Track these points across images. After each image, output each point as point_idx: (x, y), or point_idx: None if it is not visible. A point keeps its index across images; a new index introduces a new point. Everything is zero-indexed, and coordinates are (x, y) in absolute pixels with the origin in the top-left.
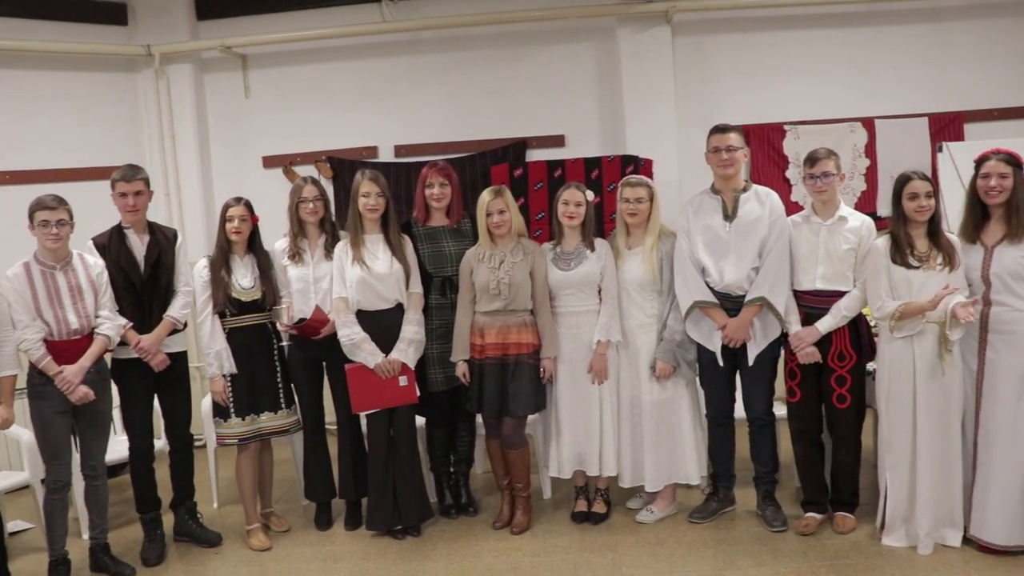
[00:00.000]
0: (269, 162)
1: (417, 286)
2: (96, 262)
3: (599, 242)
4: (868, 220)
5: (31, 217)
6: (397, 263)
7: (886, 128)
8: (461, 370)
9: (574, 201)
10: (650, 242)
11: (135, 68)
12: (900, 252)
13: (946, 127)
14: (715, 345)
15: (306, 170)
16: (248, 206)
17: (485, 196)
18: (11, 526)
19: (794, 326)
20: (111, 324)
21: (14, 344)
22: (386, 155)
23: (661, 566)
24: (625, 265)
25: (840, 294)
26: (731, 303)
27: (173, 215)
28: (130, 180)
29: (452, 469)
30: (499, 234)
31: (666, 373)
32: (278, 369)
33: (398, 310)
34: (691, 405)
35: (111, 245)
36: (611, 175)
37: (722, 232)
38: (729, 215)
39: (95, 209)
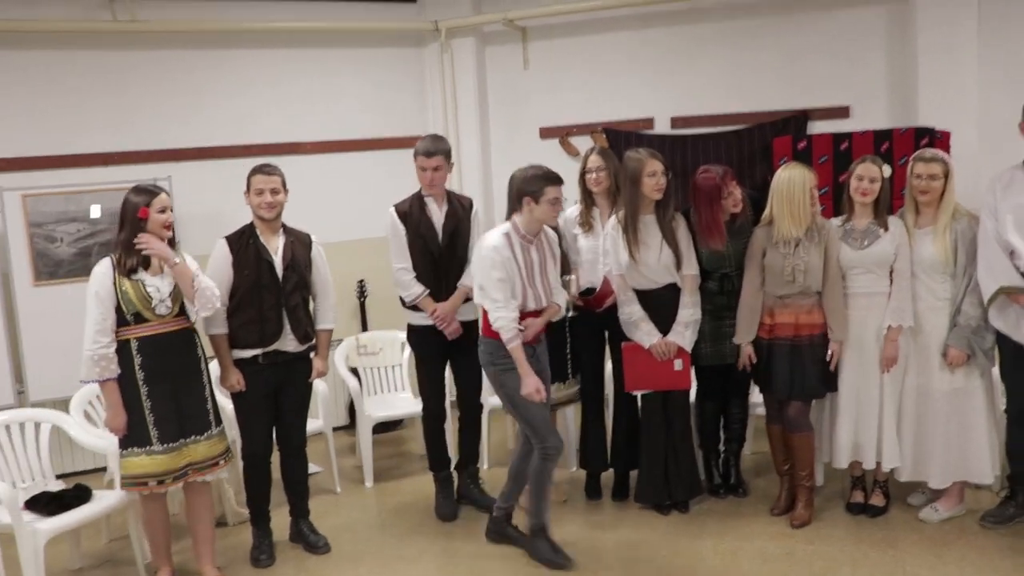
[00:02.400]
0: (546, 133)
1: (692, 267)
2: (553, 235)
3: (892, 220)
4: None
5: (540, 193)
6: (667, 249)
7: None
8: (747, 352)
9: (869, 176)
10: (943, 221)
11: (423, 43)
12: None
13: None
14: (1022, 335)
15: (582, 141)
16: None
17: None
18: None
19: None
20: None
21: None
22: (662, 126)
23: (949, 569)
24: (915, 245)
25: None
26: None
27: (454, 183)
28: (430, 155)
29: (723, 448)
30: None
31: (959, 361)
32: (568, 341)
33: (669, 289)
34: (986, 397)
35: (412, 212)
36: (903, 148)
37: None
38: None
39: (387, 177)
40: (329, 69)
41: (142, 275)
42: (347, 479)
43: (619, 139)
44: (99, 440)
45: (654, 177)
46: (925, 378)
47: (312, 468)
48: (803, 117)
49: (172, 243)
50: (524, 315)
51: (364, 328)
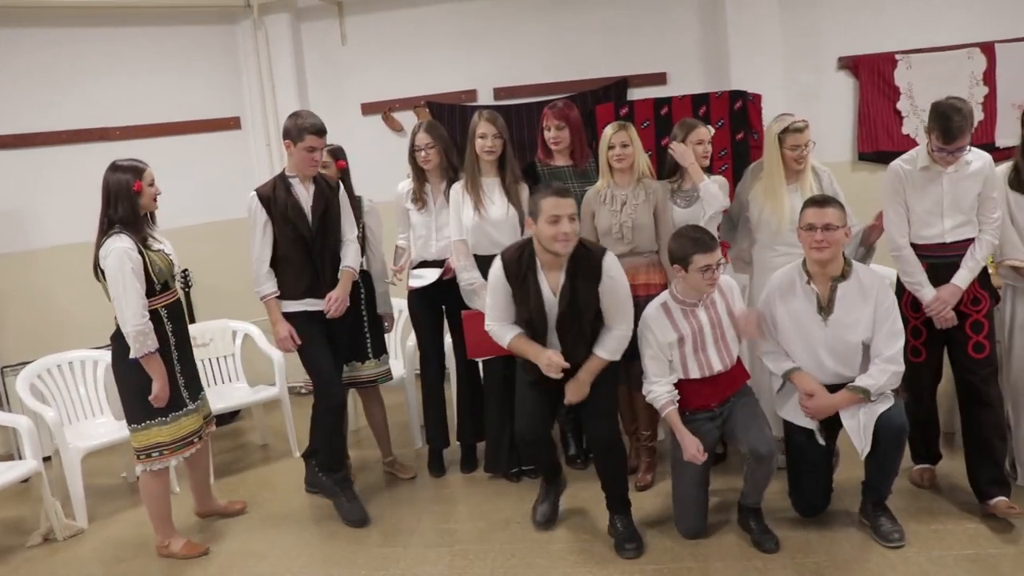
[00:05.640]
0: (368, 109)
1: None
2: (728, 284)
3: (715, 179)
4: (987, 155)
5: (688, 261)
6: (512, 208)
7: (1007, 52)
8: None
9: (707, 140)
10: (808, 176)
11: (234, 20)
12: (1017, 178)
13: None
14: (810, 421)
15: (405, 116)
16: (332, 152)
17: (608, 130)
18: None
19: (927, 288)
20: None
21: None
22: (485, 98)
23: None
24: (785, 200)
25: (968, 242)
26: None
27: (275, 165)
28: (323, 133)
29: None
30: (620, 168)
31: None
32: (364, 317)
33: None
34: None
35: (276, 196)
36: (719, 112)
37: (814, 327)
38: (823, 308)
39: (204, 161)
40: (137, 50)
41: (159, 245)
42: (184, 476)
43: (442, 112)
44: None
45: (484, 139)
46: None
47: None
48: (623, 84)
49: (153, 217)
50: (695, 382)
51: (192, 319)
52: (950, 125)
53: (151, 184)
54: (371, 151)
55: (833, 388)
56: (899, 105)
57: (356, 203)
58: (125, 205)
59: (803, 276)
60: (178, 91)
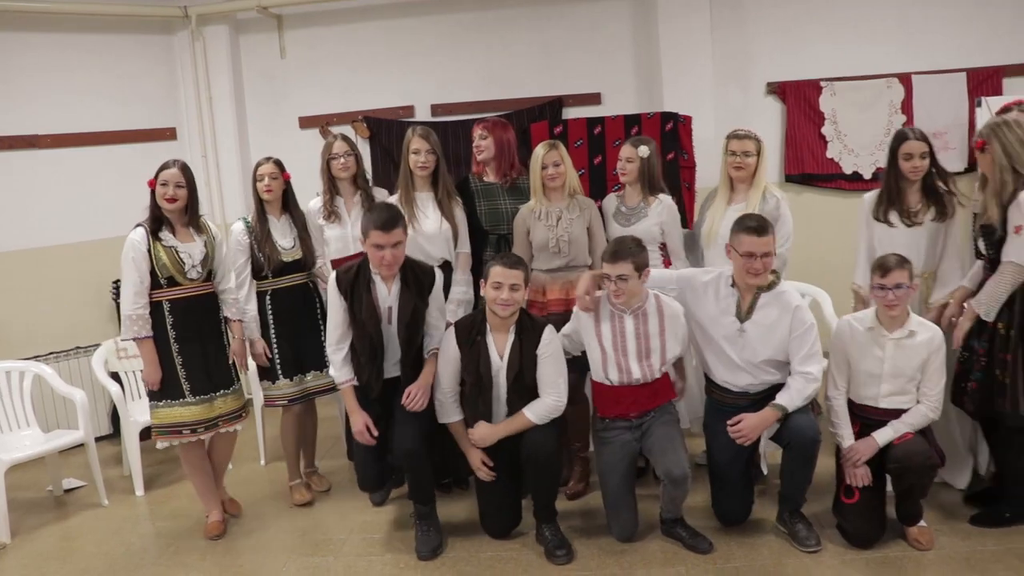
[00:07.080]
0: (306, 123)
1: (465, 246)
2: (675, 308)
3: (661, 198)
4: (938, 331)
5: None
6: (446, 222)
7: (923, 84)
8: None
9: (626, 157)
10: (755, 198)
11: (171, 30)
12: (884, 209)
13: (985, 81)
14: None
15: (343, 130)
16: (278, 164)
17: (540, 150)
18: None
19: (847, 440)
20: None
21: None
22: (422, 114)
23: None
24: (726, 219)
25: (904, 410)
26: (746, 400)
27: (211, 177)
28: (389, 230)
29: None
30: (553, 187)
31: None
32: (321, 327)
33: (445, 269)
34: None
35: (356, 290)
36: (650, 132)
37: (732, 331)
38: (743, 315)
39: (137, 171)
40: (70, 57)
41: (173, 241)
42: (115, 490)
43: (380, 127)
44: None
45: (417, 155)
46: None
47: (73, 483)
48: (558, 103)
49: (194, 220)
50: (614, 389)
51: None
52: (884, 261)
53: (164, 184)
54: (309, 165)
55: (748, 400)
56: (824, 130)
57: (301, 218)
58: (149, 200)
59: (728, 280)
60: (113, 100)
